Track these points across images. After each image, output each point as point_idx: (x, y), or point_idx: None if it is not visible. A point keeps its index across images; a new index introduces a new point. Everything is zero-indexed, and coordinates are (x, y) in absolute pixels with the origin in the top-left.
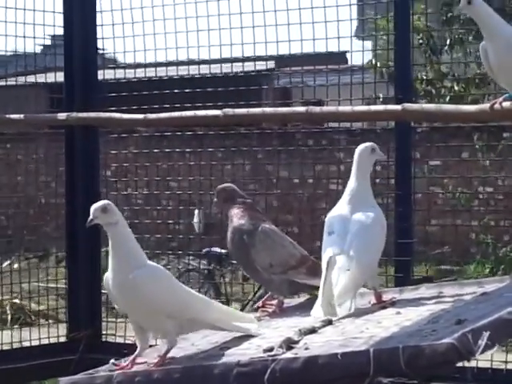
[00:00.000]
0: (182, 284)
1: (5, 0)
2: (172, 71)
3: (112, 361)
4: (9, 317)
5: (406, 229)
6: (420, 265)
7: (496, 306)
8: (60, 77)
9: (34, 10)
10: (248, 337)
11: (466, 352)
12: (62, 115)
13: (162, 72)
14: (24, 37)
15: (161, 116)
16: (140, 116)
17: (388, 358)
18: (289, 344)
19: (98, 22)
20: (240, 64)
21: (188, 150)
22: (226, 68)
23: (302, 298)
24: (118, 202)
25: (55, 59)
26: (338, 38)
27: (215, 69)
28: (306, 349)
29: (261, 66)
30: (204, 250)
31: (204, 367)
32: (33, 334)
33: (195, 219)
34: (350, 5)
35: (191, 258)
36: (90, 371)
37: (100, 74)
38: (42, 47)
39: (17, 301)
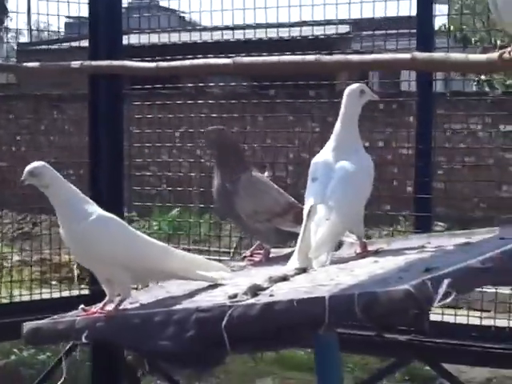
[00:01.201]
0: (140, 233)
1: None
2: (249, 34)
3: (81, 306)
4: (75, 275)
5: (425, 184)
6: None
7: (472, 254)
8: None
9: None
10: (222, 285)
11: (424, 299)
12: (75, 63)
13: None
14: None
15: (172, 64)
16: (152, 64)
17: (343, 305)
18: (255, 291)
19: None
20: (309, 28)
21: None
22: (304, 31)
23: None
24: None
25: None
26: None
27: (285, 32)
28: (271, 295)
29: (332, 30)
30: None
31: (164, 312)
32: None
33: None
34: None
35: None
36: (56, 316)
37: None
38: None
39: None
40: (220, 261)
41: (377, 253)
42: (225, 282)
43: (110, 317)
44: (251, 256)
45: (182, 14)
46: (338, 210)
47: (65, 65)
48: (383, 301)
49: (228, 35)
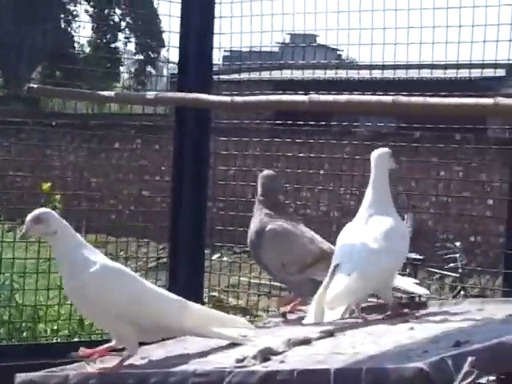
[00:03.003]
0: (153, 285)
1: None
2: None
3: (81, 348)
4: None
5: None
6: None
7: None
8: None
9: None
10: (242, 344)
11: (441, 380)
12: (150, 94)
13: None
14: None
15: (247, 99)
16: (227, 98)
17: (349, 381)
18: (266, 355)
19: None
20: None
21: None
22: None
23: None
24: None
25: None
26: None
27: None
28: (282, 362)
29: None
30: None
31: (160, 374)
32: None
33: (406, 223)
34: None
35: None
36: (54, 369)
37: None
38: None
39: (215, 294)
40: None
41: (417, 318)
42: (246, 341)
43: (103, 374)
44: (291, 312)
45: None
46: (361, 267)
47: (140, 95)
48: (392, 378)
49: (389, 74)
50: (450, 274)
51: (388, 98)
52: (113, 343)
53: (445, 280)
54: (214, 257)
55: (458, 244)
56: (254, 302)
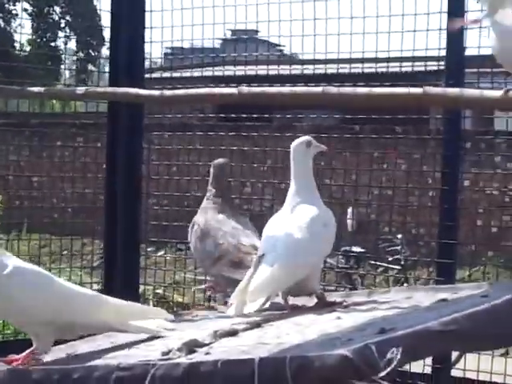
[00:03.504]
0: (66, 283)
1: None
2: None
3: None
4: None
5: (450, 228)
6: None
7: (440, 313)
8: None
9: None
10: (165, 337)
11: (366, 366)
12: (80, 89)
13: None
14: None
15: (177, 92)
16: (156, 92)
17: (273, 369)
18: (192, 347)
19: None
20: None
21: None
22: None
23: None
24: None
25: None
26: None
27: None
28: (207, 354)
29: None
30: (342, 249)
31: (84, 369)
32: None
33: (349, 217)
34: None
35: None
36: None
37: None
38: (220, 41)
39: (160, 291)
40: None
41: (344, 307)
42: (169, 334)
43: (22, 370)
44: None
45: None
46: (284, 258)
47: (70, 90)
48: (316, 366)
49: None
50: (392, 266)
51: (318, 89)
52: (34, 346)
53: (389, 272)
54: (159, 253)
55: (399, 236)
56: (199, 299)
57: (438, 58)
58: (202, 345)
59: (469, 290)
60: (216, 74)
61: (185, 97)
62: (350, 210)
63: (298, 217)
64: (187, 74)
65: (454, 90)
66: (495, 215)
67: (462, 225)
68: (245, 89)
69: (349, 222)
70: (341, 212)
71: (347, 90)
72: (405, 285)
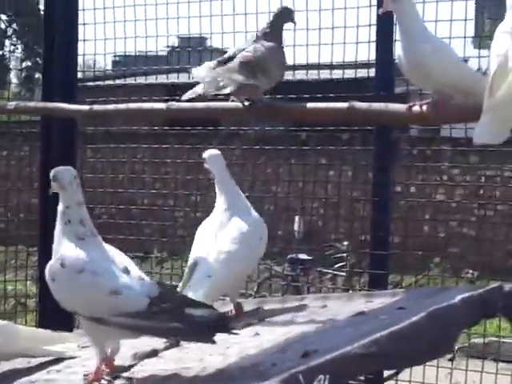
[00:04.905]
0: None
1: None
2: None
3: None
4: None
5: (382, 239)
6: None
7: (361, 332)
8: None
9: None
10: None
11: None
12: (11, 104)
13: None
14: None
15: (107, 108)
16: (86, 107)
17: None
18: (117, 374)
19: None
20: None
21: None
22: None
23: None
24: None
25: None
26: None
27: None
28: (129, 379)
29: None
30: (288, 256)
31: None
32: None
33: (296, 226)
34: None
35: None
36: None
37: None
38: (167, 48)
39: None
40: None
41: (260, 320)
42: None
43: None
44: None
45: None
46: (222, 268)
47: (1, 105)
48: None
49: None
50: (338, 273)
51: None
52: None
53: (337, 280)
54: None
55: (345, 243)
56: None
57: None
58: (123, 369)
59: (384, 298)
60: (163, 81)
61: (114, 112)
62: (296, 218)
63: (231, 228)
64: (133, 81)
65: (363, 105)
66: (442, 221)
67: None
68: (174, 104)
69: (296, 229)
70: (287, 220)
71: (277, 103)
72: (350, 291)
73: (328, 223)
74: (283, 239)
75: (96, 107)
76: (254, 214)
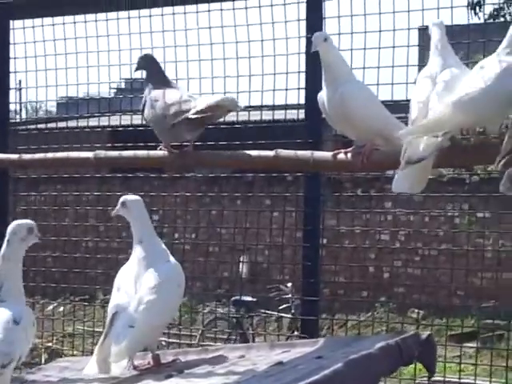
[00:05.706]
0: None
1: None
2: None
3: None
4: (42, 360)
5: (312, 285)
6: (467, 318)
7: (282, 382)
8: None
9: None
10: None
11: None
12: None
13: None
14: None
15: (35, 157)
16: (15, 156)
17: None
18: None
19: None
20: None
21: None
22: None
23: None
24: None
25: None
26: None
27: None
28: None
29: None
30: (233, 299)
31: None
32: None
33: (240, 267)
34: None
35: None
36: None
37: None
38: (115, 90)
39: (50, 344)
40: None
41: (179, 372)
42: None
43: None
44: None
45: None
46: (144, 318)
47: None
48: None
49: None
50: (283, 315)
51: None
52: None
53: (283, 321)
54: (50, 307)
55: (289, 285)
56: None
57: None
58: None
59: (303, 348)
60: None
61: (43, 161)
62: (242, 258)
63: (151, 275)
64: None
65: (304, 153)
66: (386, 261)
67: (353, 271)
68: (101, 153)
69: (240, 271)
70: (232, 261)
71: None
72: (295, 332)
73: (272, 265)
74: (229, 281)
75: (25, 156)
76: (172, 260)
